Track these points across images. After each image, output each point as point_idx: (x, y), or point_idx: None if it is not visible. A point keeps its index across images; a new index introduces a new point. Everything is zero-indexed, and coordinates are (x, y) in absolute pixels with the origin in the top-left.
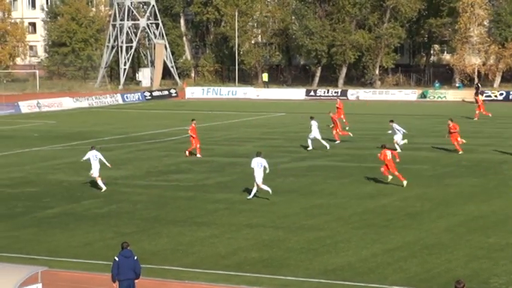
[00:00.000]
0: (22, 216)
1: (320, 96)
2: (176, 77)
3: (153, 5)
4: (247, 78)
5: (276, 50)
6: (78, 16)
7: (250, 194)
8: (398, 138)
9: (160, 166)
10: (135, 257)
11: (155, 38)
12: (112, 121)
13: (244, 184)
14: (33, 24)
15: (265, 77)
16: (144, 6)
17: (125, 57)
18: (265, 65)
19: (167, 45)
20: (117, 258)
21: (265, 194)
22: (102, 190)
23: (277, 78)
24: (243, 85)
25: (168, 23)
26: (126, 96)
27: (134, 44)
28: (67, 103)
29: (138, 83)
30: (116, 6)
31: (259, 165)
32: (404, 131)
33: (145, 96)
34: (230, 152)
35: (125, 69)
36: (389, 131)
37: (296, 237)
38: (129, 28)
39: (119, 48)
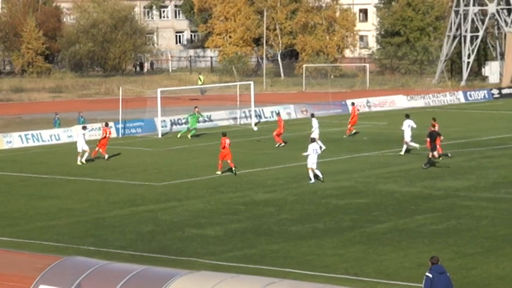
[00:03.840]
0: (349, 231)
1: None
2: None
3: None
4: None
5: None
6: (415, 1)
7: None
8: (407, 137)
9: (511, 176)
10: (448, 274)
11: (506, 26)
12: (451, 123)
13: None
14: (365, 11)
15: None
16: None
17: (468, 49)
18: None
19: None
20: (430, 275)
21: None
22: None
23: None
24: None
25: None
26: (470, 95)
27: (481, 33)
28: (400, 101)
29: (484, 78)
30: None
31: (315, 151)
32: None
33: (493, 94)
34: None
35: (468, 62)
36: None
37: None
38: (474, 15)
39: (462, 38)
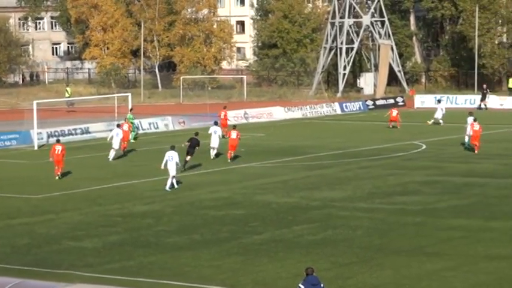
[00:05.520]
0: (227, 243)
1: None
2: (404, 83)
3: (379, 0)
4: (489, 85)
5: None
6: (292, 14)
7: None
8: (214, 144)
9: (384, 186)
10: (322, 285)
11: (380, 38)
12: (328, 134)
13: (485, 208)
14: (242, 23)
15: (510, 83)
16: (368, 2)
17: (344, 61)
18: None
19: (394, 47)
20: (302, 286)
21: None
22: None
23: None
24: None
25: (395, 20)
26: (346, 106)
27: (356, 45)
28: (277, 113)
29: (359, 90)
30: (336, 2)
31: (170, 158)
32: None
33: (368, 105)
34: (467, 171)
35: (344, 74)
36: None
37: None
38: (350, 27)
39: (338, 50)
